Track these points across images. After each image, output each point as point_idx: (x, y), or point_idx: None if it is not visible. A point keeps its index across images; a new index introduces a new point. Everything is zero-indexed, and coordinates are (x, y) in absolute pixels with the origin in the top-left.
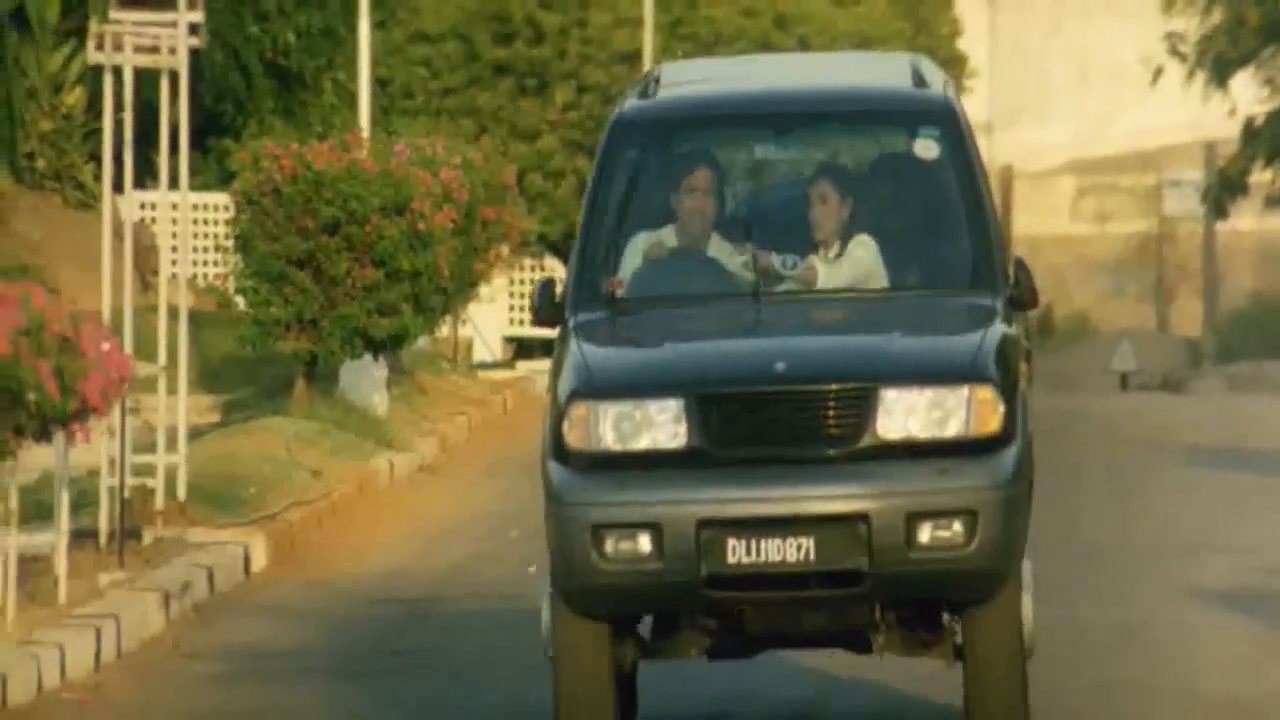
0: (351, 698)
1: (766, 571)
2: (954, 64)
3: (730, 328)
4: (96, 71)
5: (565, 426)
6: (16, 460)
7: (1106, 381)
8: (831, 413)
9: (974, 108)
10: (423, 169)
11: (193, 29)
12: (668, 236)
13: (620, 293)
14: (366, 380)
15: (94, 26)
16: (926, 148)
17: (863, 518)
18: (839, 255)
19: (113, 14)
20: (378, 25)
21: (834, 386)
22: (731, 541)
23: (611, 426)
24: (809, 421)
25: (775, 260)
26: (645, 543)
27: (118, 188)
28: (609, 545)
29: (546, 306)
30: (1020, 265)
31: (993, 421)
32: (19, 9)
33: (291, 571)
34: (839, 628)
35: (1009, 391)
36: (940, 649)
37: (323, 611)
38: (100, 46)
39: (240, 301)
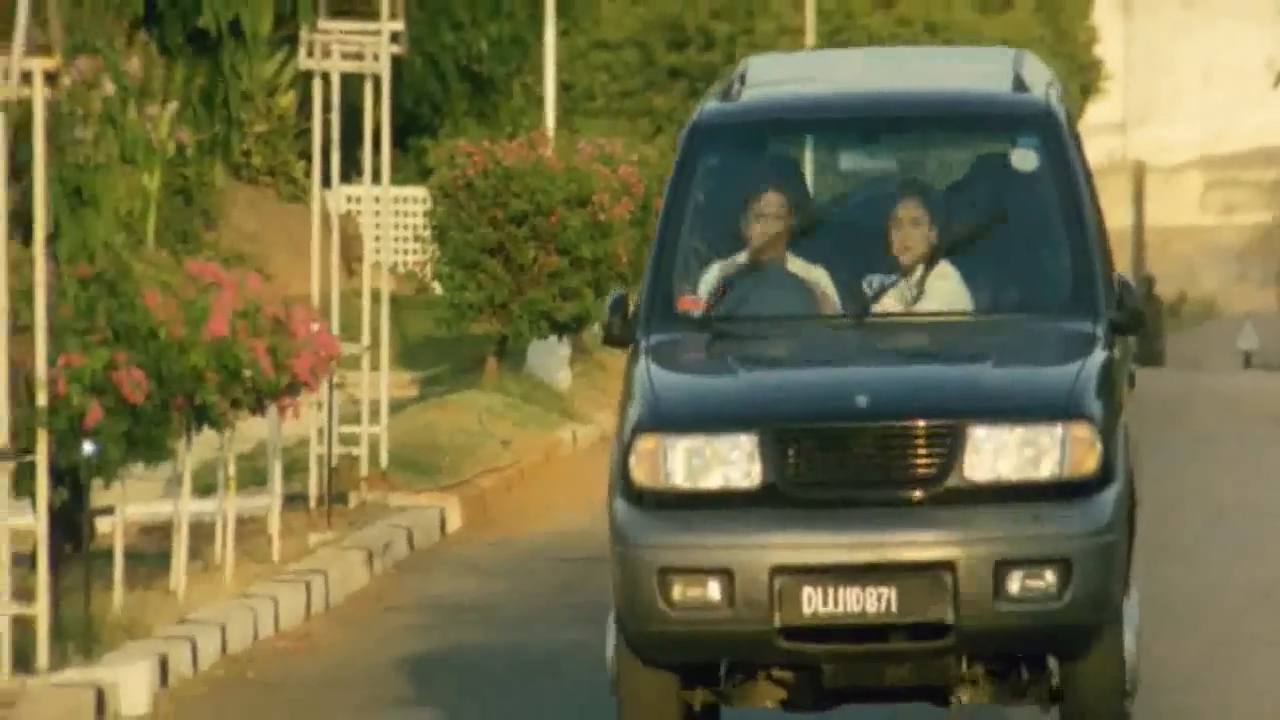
0: (536, 645)
1: (844, 623)
2: (1090, 68)
3: (809, 356)
4: (306, 77)
5: (632, 461)
6: (234, 431)
7: (1231, 360)
8: (916, 451)
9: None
10: (603, 165)
11: (394, 37)
12: (740, 261)
13: (696, 312)
14: (551, 358)
15: (304, 35)
16: (1024, 158)
17: (948, 566)
18: (919, 284)
19: (321, 24)
20: (562, 34)
21: (919, 423)
22: (807, 590)
23: (681, 462)
24: (891, 461)
25: (863, 285)
26: (715, 589)
27: (326, 182)
28: (676, 591)
29: (618, 324)
30: (1124, 285)
31: (1089, 462)
32: (235, 20)
33: (483, 532)
34: (922, 682)
35: (1108, 428)
36: (1035, 691)
37: (511, 568)
38: (310, 54)
39: (437, 286)
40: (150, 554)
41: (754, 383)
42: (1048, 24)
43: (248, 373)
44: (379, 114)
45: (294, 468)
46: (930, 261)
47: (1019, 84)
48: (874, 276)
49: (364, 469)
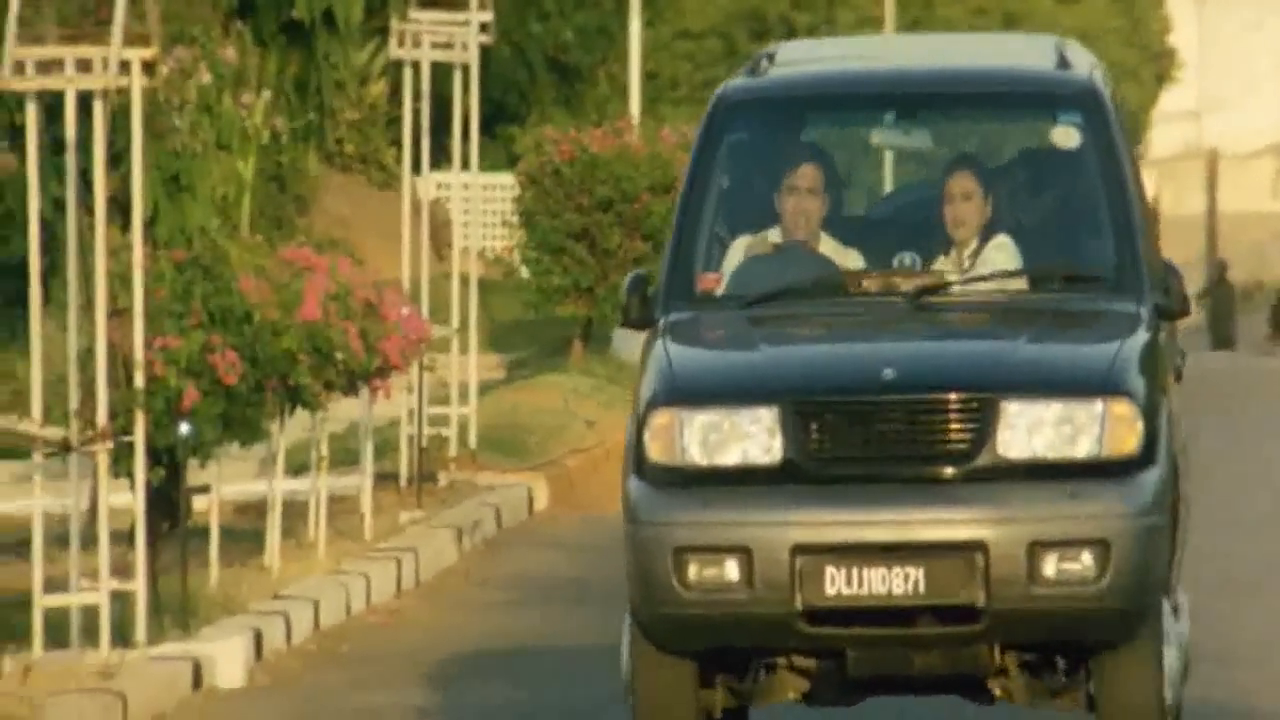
0: (620, 620)
1: (869, 605)
2: (1164, 57)
3: (835, 329)
4: (397, 66)
5: (646, 436)
6: (327, 412)
7: None
8: (946, 427)
9: (1183, 97)
10: (686, 152)
11: (483, 27)
12: (773, 238)
13: (716, 291)
14: (636, 341)
15: (395, 25)
16: (1066, 135)
17: (979, 546)
18: (974, 257)
19: (411, 14)
20: (647, 24)
21: (949, 397)
22: (830, 570)
23: (697, 438)
24: (920, 436)
25: (894, 262)
26: (733, 569)
27: (416, 169)
28: (692, 571)
29: (636, 305)
30: (1172, 270)
31: (1130, 440)
32: (328, 10)
33: (569, 510)
34: (952, 671)
35: (1150, 407)
36: (1071, 696)
37: (596, 545)
38: (401, 44)
39: (524, 271)
40: (245, 532)
41: (775, 356)
42: (1123, 14)
43: (340, 355)
44: (468, 102)
45: (385, 448)
46: (985, 234)
47: (1062, 62)
48: (906, 254)
49: (453, 449)
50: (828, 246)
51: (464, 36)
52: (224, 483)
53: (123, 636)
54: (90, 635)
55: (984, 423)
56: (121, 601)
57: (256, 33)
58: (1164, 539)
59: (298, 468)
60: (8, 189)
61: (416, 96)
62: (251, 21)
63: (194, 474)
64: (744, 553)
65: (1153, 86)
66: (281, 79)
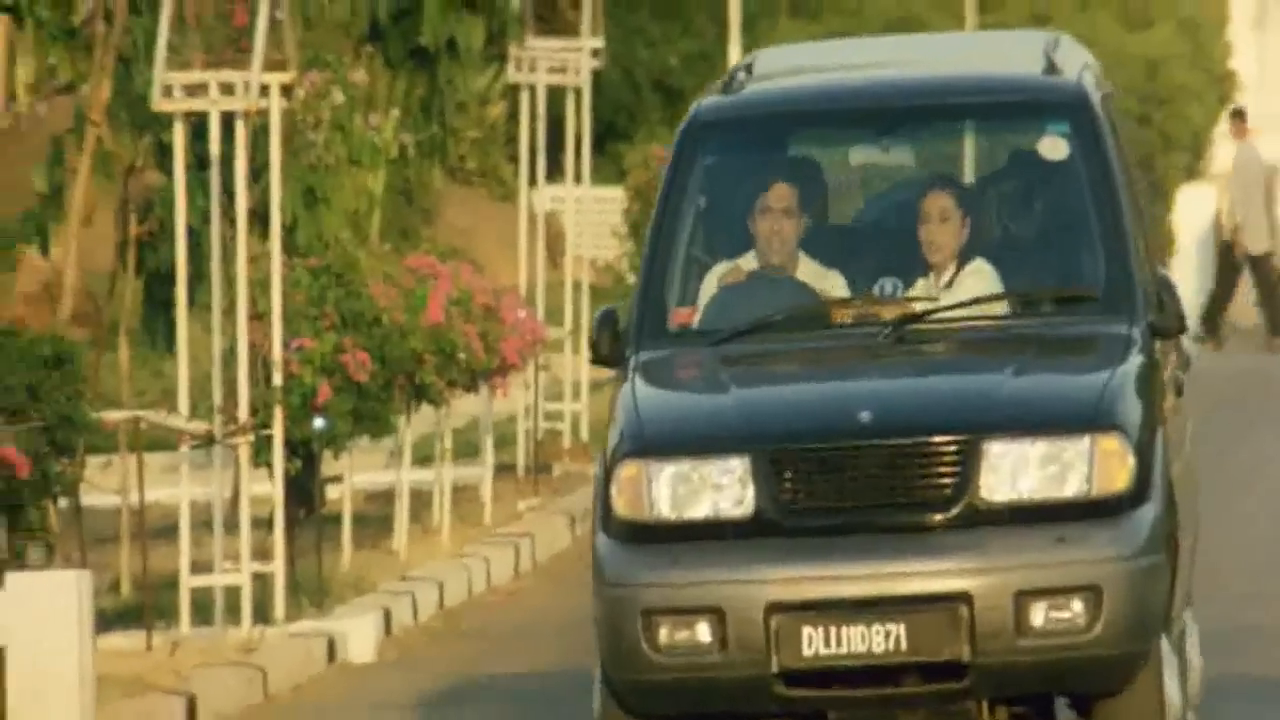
0: None
1: (849, 664)
2: (1225, 79)
3: (809, 368)
4: (514, 88)
5: (613, 491)
6: (450, 408)
7: None
8: (925, 472)
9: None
10: None
11: (594, 53)
12: (747, 264)
13: (689, 326)
14: None
15: (513, 51)
16: (1054, 146)
17: (963, 598)
18: (950, 283)
19: (528, 41)
20: (745, 50)
21: (928, 440)
22: (807, 629)
23: (666, 491)
24: (898, 483)
25: (874, 289)
26: (705, 631)
27: (532, 183)
28: (663, 634)
29: (606, 342)
30: (1166, 285)
31: (1121, 477)
32: (451, 38)
33: None
34: None
35: (1143, 441)
36: None
37: None
38: (518, 68)
39: (632, 278)
40: (374, 518)
41: (746, 400)
42: (1188, 40)
43: (462, 355)
44: (580, 122)
45: (503, 441)
46: (963, 258)
47: (1049, 67)
48: (887, 280)
49: (566, 442)
50: (807, 269)
51: (576, 61)
52: (355, 473)
53: (262, 614)
54: (233, 613)
55: (966, 466)
56: (261, 582)
57: (385, 58)
58: (1160, 578)
59: (423, 459)
60: (157, 203)
61: (533, 117)
62: (381, 47)
63: (328, 465)
64: (716, 614)
65: (1215, 107)
66: (408, 100)
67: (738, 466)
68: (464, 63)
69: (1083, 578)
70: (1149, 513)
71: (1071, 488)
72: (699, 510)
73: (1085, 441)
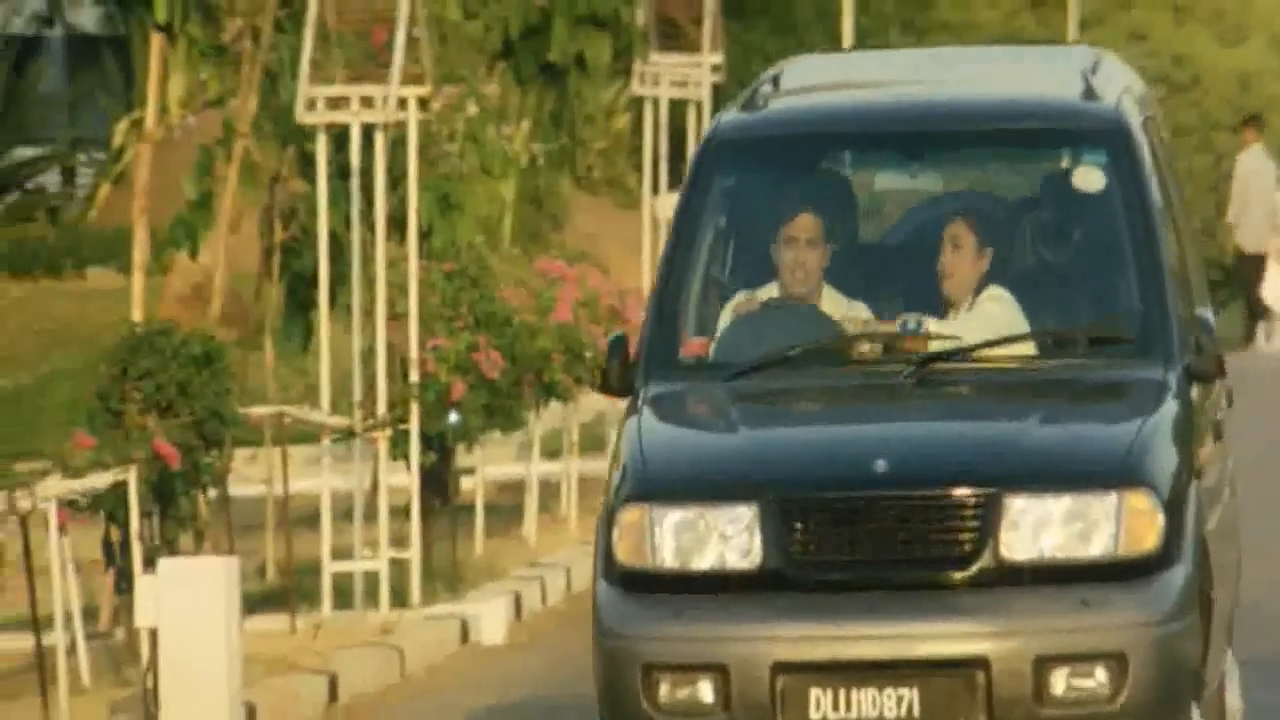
0: None
1: None
2: None
3: (825, 411)
4: (639, 102)
5: (614, 535)
6: (577, 403)
7: None
8: (943, 526)
9: None
10: None
11: (714, 68)
12: (769, 294)
13: (702, 358)
14: None
15: (637, 67)
16: (1088, 177)
17: (981, 663)
18: (968, 311)
19: (652, 57)
20: None
21: (947, 492)
22: (815, 692)
23: (670, 538)
24: (915, 537)
25: (896, 324)
26: (707, 690)
27: (655, 191)
28: (663, 691)
29: (616, 371)
30: (1205, 325)
31: (1149, 537)
32: (579, 54)
33: None
34: None
35: (1175, 497)
36: None
37: None
38: (642, 82)
39: None
40: (505, 507)
41: (756, 443)
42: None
43: (588, 354)
44: (700, 133)
45: None
46: (979, 287)
47: (1087, 91)
48: (910, 316)
49: None
50: (830, 299)
51: (698, 76)
52: (487, 465)
53: (400, 598)
54: (371, 597)
55: (986, 521)
56: (398, 568)
57: (517, 73)
58: (1191, 644)
59: (552, 452)
60: (300, 210)
61: (656, 128)
62: (512, 63)
63: (461, 457)
64: (720, 671)
65: None
66: (538, 112)
67: (745, 514)
68: (591, 77)
69: (1107, 644)
70: (1179, 574)
71: (1097, 547)
72: (704, 560)
73: (1112, 498)
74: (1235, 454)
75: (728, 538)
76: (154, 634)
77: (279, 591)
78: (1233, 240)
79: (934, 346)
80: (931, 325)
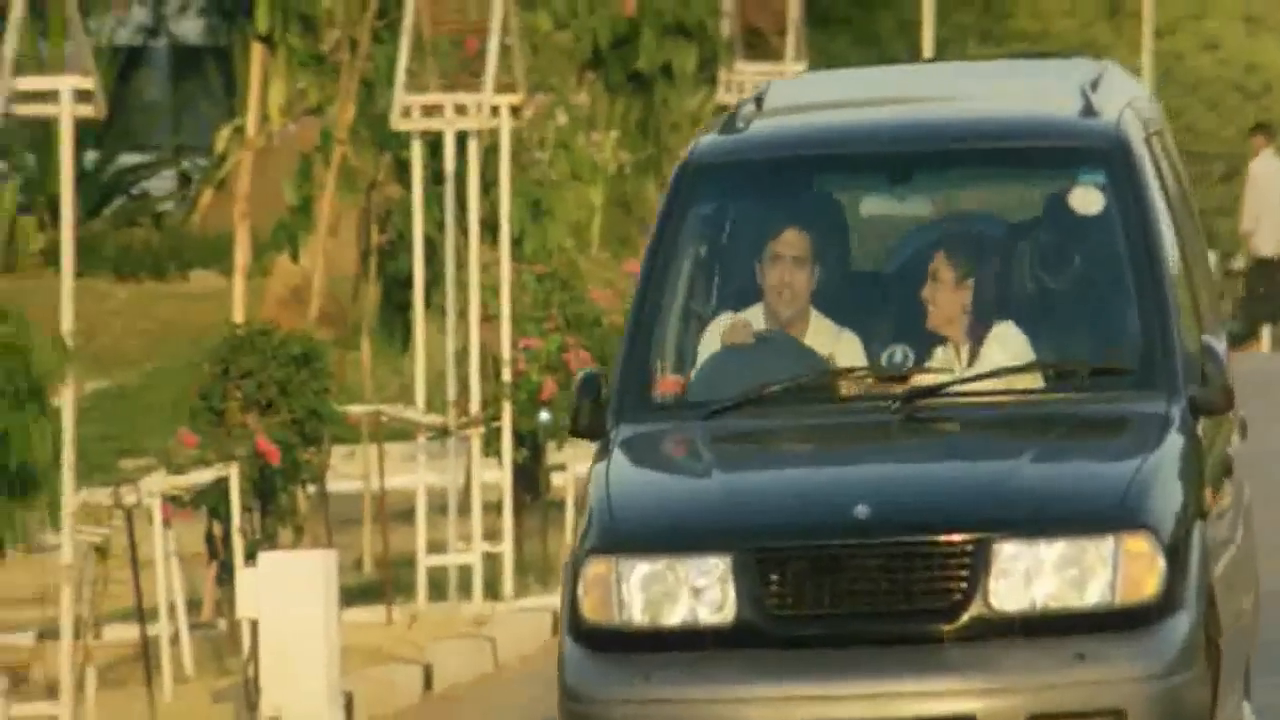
0: None
1: None
2: None
3: (803, 451)
4: (724, 110)
5: (580, 590)
6: None
7: None
8: (928, 576)
9: None
10: None
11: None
12: (754, 318)
13: (677, 396)
14: None
15: (722, 76)
16: (1086, 199)
17: None
18: (972, 354)
19: (737, 66)
20: None
21: (932, 539)
22: None
23: (638, 592)
24: (899, 588)
25: (883, 357)
26: None
27: None
28: None
29: (587, 412)
30: (1211, 354)
31: (1149, 584)
32: (666, 63)
33: None
34: None
35: (1177, 539)
36: None
37: None
38: (727, 90)
39: None
40: None
41: (730, 489)
42: None
43: None
44: None
45: None
46: (981, 323)
47: (1086, 107)
48: (898, 348)
49: None
50: (818, 328)
51: None
52: (577, 462)
53: (493, 591)
54: (465, 590)
55: (974, 569)
56: (491, 561)
57: (605, 82)
58: (1197, 698)
59: None
60: (396, 214)
61: None
62: (602, 72)
63: (552, 454)
64: None
65: None
66: (626, 121)
67: (718, 566)
68: (677, 86)
69: (1105, 700)
70: (1182, 623)
71: (1093, 596)
72: (675, 616)
73: (1109, 543)
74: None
75: (699, 591)
76: (255, 625)
77: (376, 584)
78: (1248, 247)
79: (929, 382)
80: (935, 358)
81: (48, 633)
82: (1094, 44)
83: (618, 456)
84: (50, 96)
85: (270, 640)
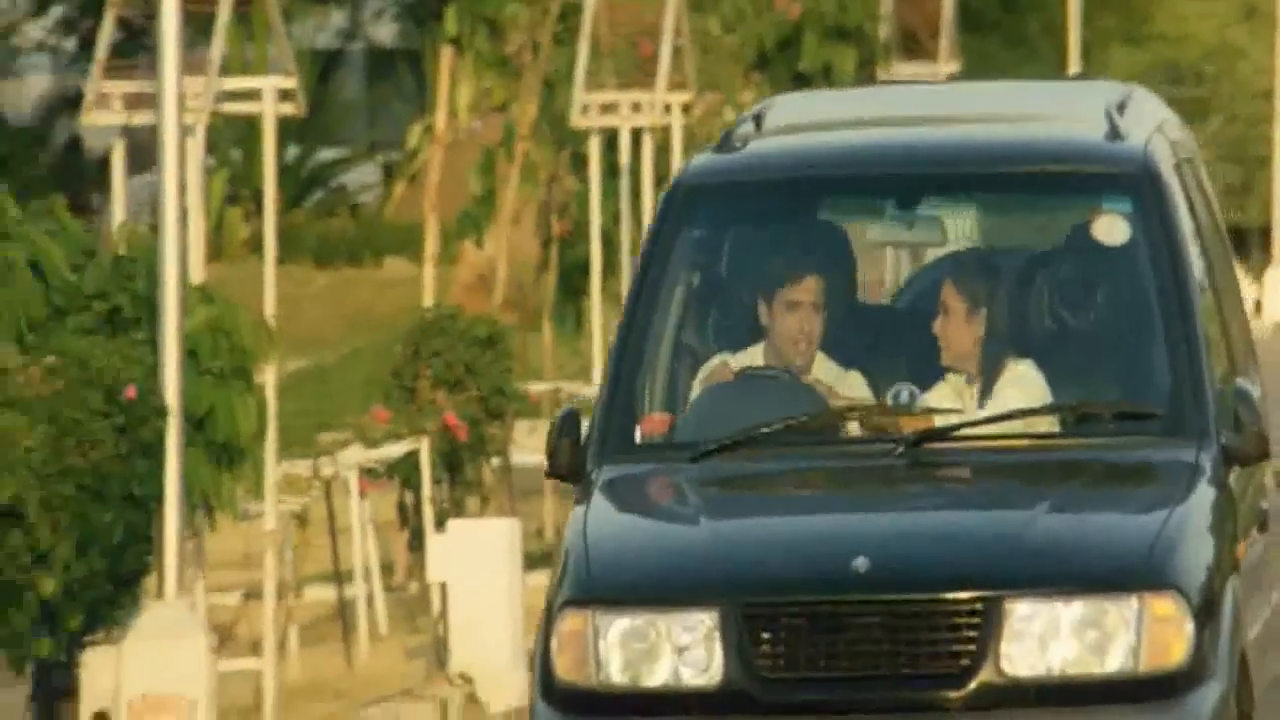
0: None
1: None
2: None
3: (800, 497)
4: None
5: (553, 646)
6: None
7: None
8: (934, 636)
9: None
10: None
11: (950, 76)
12: (754, 359)
13: (664, 435)
14: None
15: (879, 75)
16: (1111, 228)
17: None
18: (986, 391)
19: (893, 66)
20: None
21: (938, 596)
22: None
23: (617, 650)
24: (901, 649)
25: (888, 395)
26: None
27: None
28: None
29: (565, 452)
30: (1244, 398)
31: (1176, 649)
32: (827, 64)
33: None
34: None
35: (1206, 600)
36: None
37: None
38: None
39: None
40: None
41: (719, 538)
42: None
43: None
44: None
45: None
46: (993, 360)
47: (1112, 130)
48: (903, 386)
49: None
50: (822, 370)
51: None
52: None
53: None
54: None
55: (985, 630)
56: None
57: (771, 81)
58: None
59: None
60: (574, 205)
61: None
62: (767, 73)
63: None
64: None
65: None
66: None
67: (704, 622)
68: (838, 85)
69: None
70: (1211, 694)
71: (1114, 662)
72: (656, 676)
73: (1132, 604)
74: None
75: (684, 650)
76: (444, 588)
77: (556, 550)
78: None
79: (937, 423)
80: (943, 393)
81: (253, 594)
82: (1230, 46)
83: (597, 500)
84: (255, 95)
85: (459, 602)
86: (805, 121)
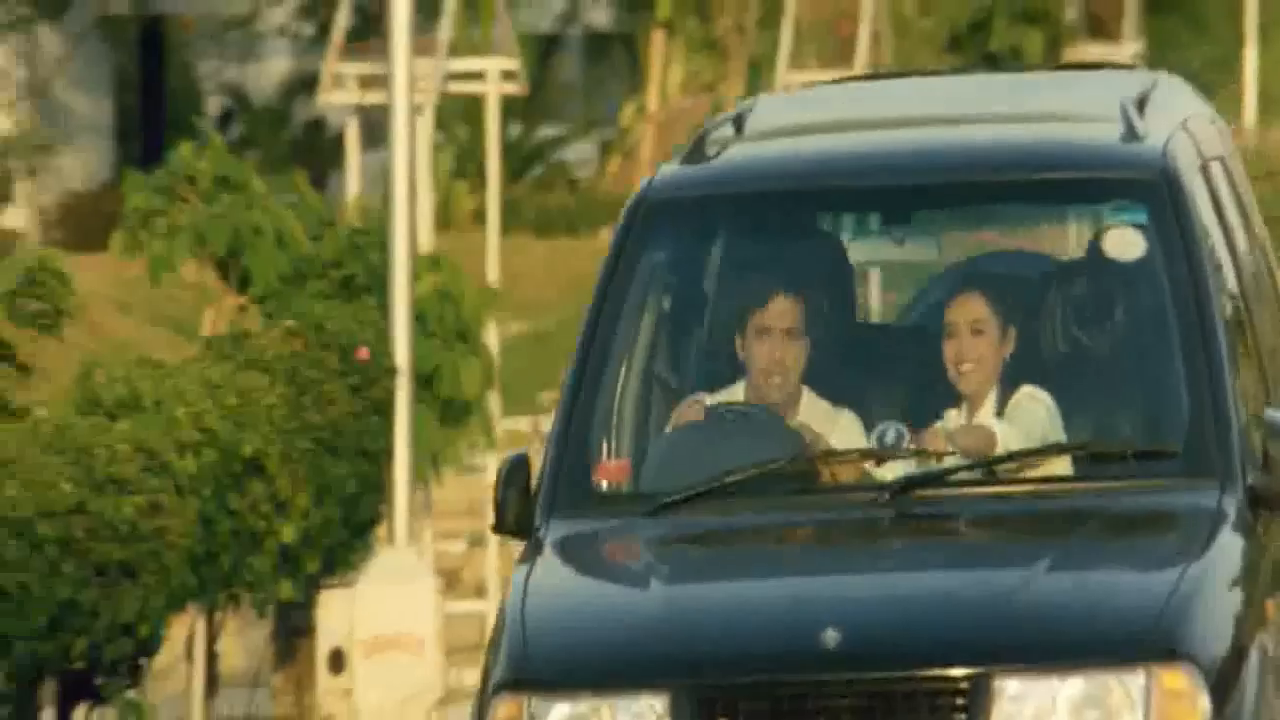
0: None
1: None
2: None
3: (768, 558)
4: None
5: None
6: None
7: None
8: (915, 719)
9: None
10: None
11: (1134, 56)
12: (734, 397)
13: (623, 485)
14: None
15: (1067, 55)
16: (1123, 241)
17: None
18: (995, 417)
19: (1080, 46)
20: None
21: (917, 675)
22: None
23: None
24: None
25: (873, 436)
26: None
27: None
28: None
29: (514, 504)
30: (1275, 431)
31: None
32: (1016, 45)
33: None
34: None
35: (1225, 671)
36: None
37: None
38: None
39: None
40: None
41: (673, 608)
42: None
43: None
44: None
45: None
46: (1005, 384)
47: (1128, 129)
48: (888, 425)
49: None
50: (810, 410)
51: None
52: None
53: None
54: None
55: (971, 712)
56: None
57: (962, 62)
58: None
59: None
60: None
61: None
62: (959, 54)
63: None
64: None
65: None
66: None
67: (653, 707)
68: (1026, 66)
69: None
70: None
71: None
72: None
73: (1139, 678)
74: None
75: None
76: None
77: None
78: None
79: (923, 470)
80: (938, 430)
81: (476, 541)
82: None
83: (541, 563)
84: (480, 76)
85: None
86: (790, 124)
